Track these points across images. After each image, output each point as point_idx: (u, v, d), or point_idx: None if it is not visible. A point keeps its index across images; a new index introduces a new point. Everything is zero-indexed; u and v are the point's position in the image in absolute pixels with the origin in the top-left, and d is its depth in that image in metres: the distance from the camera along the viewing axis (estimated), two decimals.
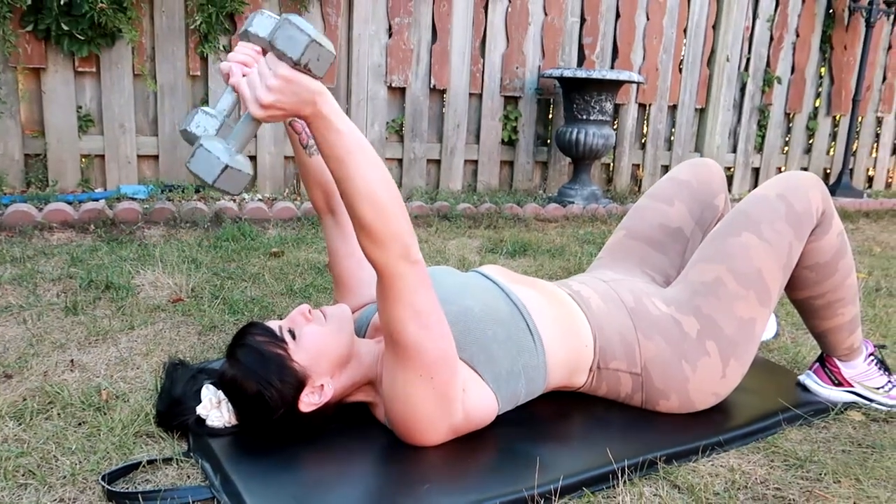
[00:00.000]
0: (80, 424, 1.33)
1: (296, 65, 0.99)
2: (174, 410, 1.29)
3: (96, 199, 3.10)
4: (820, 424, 1.52)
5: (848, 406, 1.59)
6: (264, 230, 2.99)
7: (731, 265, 1.44)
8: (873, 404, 1.60)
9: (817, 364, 1.64)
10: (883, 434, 1.48)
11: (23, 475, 1.15)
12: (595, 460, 1.26)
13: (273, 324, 1.28)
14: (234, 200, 3.34)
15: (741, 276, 1.43)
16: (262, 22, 1.08)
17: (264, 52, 1.23)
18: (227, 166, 0.98)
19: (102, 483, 1.11)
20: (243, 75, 1.10)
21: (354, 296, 1.52)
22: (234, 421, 1.27)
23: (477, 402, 1.27)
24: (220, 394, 1.28)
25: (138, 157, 3.35)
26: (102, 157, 3.28)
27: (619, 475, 1.24)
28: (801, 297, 1.54)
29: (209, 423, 1.26)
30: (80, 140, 3.20)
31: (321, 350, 1.25)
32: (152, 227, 2.90)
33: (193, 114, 1.14)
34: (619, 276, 1.60)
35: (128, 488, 1.13)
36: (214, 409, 1.27)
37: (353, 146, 1.07)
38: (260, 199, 3.50)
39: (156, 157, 3.40)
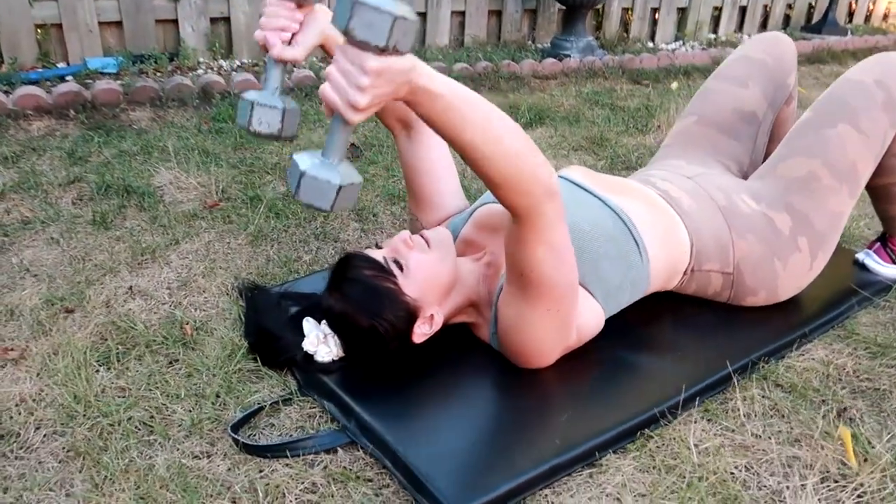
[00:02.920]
0: (171, 364, 1.26)
1: (382, 51, 0.83)
2: (275, 346, 1.23)
3: (63, 76, 2.79)
4: (883, 304, 1.57)
5: None
6: None
7: (825, 159, 1.40)
8: None
9: (878, 243, 1.67)
10: None
11: (142, 431, 1.10)
12: (707, 368, 1.28)
13: (375, 253, 1.20)
14: (220, 74, 3.06)
15: (836, 171, 1.39)
16: None
17: (298, 6, 1.09)
18: (340, 187, 0.88)
19: (234, 435, 1.08)
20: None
21: (436, 210, 1.44)
22: (341, 354, 1.23)
23: (588, 320, 1.25)
24: (325, 328, 1.22)
25: (100, 24, 2.98)
26: (60, 26, 2.91)
27: (735, 381, 1.27)
28: (881, 182, 1.52)
29: (317, 358, 1.21)
30: (31, 7, 2.81)
31: (430, 280, 1.19)
32: (136, 108, 2.65)
33: (248, 108, 1.06)
34: (698, 168, 1.54)
35: (255, 436, 1.10)
36: (322, 343, 1.21)
37: (464, 108, 0.92)
38: (240, 66, 3.21)
39: (119, 24, 3.03)
